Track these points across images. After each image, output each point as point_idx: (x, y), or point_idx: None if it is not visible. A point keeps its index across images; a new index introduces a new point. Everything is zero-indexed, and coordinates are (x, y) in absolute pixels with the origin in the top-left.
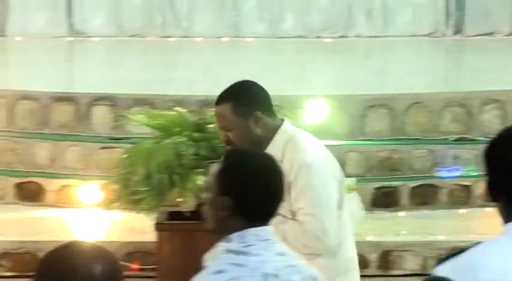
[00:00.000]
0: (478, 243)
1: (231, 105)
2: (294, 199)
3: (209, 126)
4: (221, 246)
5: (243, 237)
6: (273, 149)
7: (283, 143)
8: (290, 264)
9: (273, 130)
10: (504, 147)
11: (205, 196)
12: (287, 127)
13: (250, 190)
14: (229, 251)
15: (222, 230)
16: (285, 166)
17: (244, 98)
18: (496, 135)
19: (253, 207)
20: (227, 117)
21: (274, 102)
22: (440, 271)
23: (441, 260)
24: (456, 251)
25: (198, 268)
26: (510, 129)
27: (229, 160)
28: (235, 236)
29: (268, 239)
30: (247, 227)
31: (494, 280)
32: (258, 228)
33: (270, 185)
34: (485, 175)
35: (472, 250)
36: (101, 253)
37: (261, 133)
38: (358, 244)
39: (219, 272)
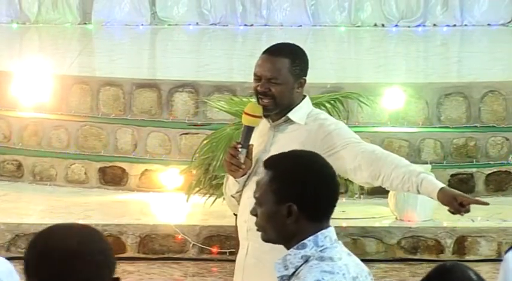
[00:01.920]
0: None
1: (290, 62)
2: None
3: None
4: (294, 253)
5: (317, 241)
6: (298, 113)
7: (308, 111)
8: (358, 263)
9: (300, 99)
10: None
11: (259, 210)
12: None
13: (311, 189)
14: (308, 257)
15: (289, 239)
16: (312, 128)
17: (302, 60)
18: None
19: (317, 207)
20: (281, 71)
21: (353, 90)
22: (510, 256)
23: None
24: None
25: None
26: None
27: (277, 166)
28: (308, 241)
29: (337, 239)
30: (315, 230)
31: None
32: (328, 229)
33: (326, 179)
34: None
35: None
36: (82, 230)
37: (296, 98)
38: (434, 230)
39: None
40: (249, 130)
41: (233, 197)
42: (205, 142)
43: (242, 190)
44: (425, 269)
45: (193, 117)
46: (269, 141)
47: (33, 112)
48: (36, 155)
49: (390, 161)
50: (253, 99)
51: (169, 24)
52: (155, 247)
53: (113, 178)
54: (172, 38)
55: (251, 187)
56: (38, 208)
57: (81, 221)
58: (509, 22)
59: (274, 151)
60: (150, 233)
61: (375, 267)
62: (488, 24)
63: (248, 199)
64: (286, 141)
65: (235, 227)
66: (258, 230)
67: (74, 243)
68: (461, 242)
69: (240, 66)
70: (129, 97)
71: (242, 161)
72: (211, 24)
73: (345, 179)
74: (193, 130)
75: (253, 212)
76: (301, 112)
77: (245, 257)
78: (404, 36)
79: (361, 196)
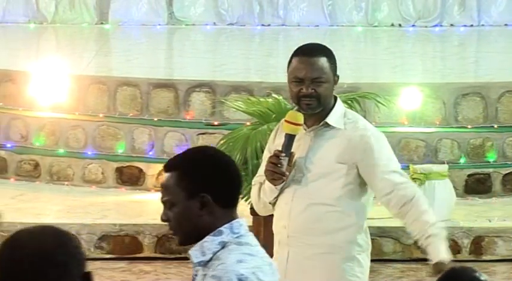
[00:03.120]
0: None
1: (327, 60)
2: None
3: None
4: (211, 239)
5: (232, 228)
6: (334, 116)
7: (342, 112)
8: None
9: (334, 100)
10: None
11: (171, 213)
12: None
13: (220, 177)
14: (225, 243)
15: (206, 232)
16: (353, 137)
17: (334, 58)
18: None
19: (228, 193)
20: (324, 70)
21: (370, 90)
22: None
23: None
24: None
25: None
26: None
27: (180, 165)
28: (224, 228)
29: (248, 229)
30: (228, 218)
31: None
32: (241, 219)
33: (229, 167)
34: None
35: None
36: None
37: (332, 96)
38: (451, 230)
39: (240, 261)
40: (291, 138)
41: (270, 203)
42: (222, 142)
43: (278, 196)
44: None
45: (210, 117)
46: (307, 147)
47: (50, 112)
48: (53, 155)
49: (412, 214)
50: (270, 100)
51: (186, 24)
52: (172, 246)
53: (129, 177)
54: (189, 38)
55: (289, 192)
56: (55, 207)
57: (98, 221)
58: None
59: (313, 156)
60: (167, 233)
61: (392, 267)
62: (506, 25)
63: (286, 205)
64: (326, 147)
65: (252, 226)
66: (173, 235)
67: (37, 246)
68: (478, 243)
69: (257, 66)
70: (146, 97)
71: (284, 169)
72: (229, 24)
73: None
74: (210, 130)
75: (164, 218)
76: (336, 115)
77: (286, 263)
78: (421, 36)
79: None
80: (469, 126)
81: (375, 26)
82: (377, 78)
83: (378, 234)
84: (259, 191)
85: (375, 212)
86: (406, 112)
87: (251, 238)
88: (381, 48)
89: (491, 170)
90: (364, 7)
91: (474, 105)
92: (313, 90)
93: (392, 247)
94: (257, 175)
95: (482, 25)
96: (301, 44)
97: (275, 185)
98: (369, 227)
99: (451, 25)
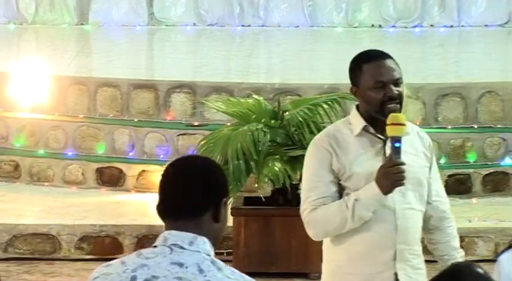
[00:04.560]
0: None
1: (395, 61)
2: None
3: (285, 113)
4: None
5: None
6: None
7: None
8: None
9: None
10: None
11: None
12: None
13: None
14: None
15: None
16: (421, 134)
17: None
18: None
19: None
20: (400, 70)
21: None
22: (505, 258)
23: (510, 246)
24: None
25: (273, 252)
26: None
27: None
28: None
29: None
30: None
31: None
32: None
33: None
34: None
35: None
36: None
37: None
38: None
39: None
40: (399, 141)
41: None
42: (202, 142)
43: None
44: None
45: (191, 118)
46: (384, 151)
47: (30, 113)
48: (33, 156)
49: (448, 234)
50: (250, 100)
51: (166, 25)
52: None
53: (110, 178)
54: (169, 38)
55: (390, 201)
56: (35, 208)
57: (78, 222)
58: (506, 23)
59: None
60: (148, 234)
61: None
62: (486, 25)
63: (389, 217)
64: (405, 148)
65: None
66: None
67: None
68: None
69: (238, 67)
70: (127, 98)
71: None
72: (209, 25)
73: None
74: (190, 131)
75: None
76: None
77: None
78: (402, 37)
79: None
80: (449, 127)
81: (355, 27)
82: None
83: None
84: (344, 212)
85: None
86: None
87: None
88: (361, 49)
89: (471, 170)
90: (345, 8)
91: (454, 105)
92: (398, 92)
93: None
94: (314, 198)
95: (463, 26)
96: (363, 51)
97: (401, 185)
98: None
99: (431, 26)
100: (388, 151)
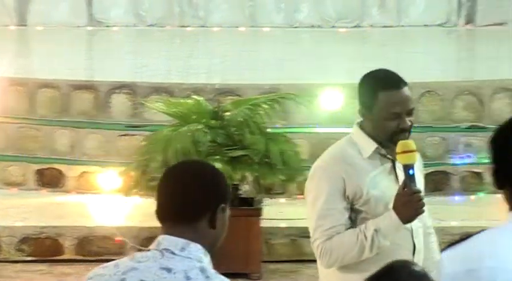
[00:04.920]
0: (482, 230)
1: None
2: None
3: (226, 114)
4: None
5: None
6: None
7: None
8: None
9: None
10: (506, 135)
11: None
12: None
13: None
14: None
15: None
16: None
17: None
18: (501, 124)
19: None
20: (413, 98)
21: (290, 91)
22: (446, 257)
23: (451, 245)
24: (462, 238)
25: (214, 252)
26: None
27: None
28: None
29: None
30: None
31: (498, 267)
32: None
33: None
34: (491, 162)
35: (476, 237)
36: None
37: None
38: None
39: None
40: (413, 168)
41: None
42: (143, 143)
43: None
44: None
45: (131, 119)
46: (394, 171)
47: None
48: None
49: (431, 251)
50: (190, 101)
51: (106, 26)
52: (93, 249)
53: (50, 180)
54: (109, 39)
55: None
56: None
57: (18, 224)
58: (445, 22)
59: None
60: (88, 235)
61: (313, 267)
62: (425, 25)
63: (406, 241)
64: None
65: None
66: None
67: None
68: None
69: (178, 67)
70: (67, 99)
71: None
72: (149, 25)
73: (282, 180)
74: (131, 132)
75: None
76: None
77: None
78: (341, 37)
79: (299, 197)
80: None
81: (295, 27)
82: (298, 79)
83: (299, 235)
84: (362, 242)
85: (296, 213)
86: (326, 113)
87: None
88: (301, 50)
89: None
90: (284, 8)
91: None
92: (410, 123)
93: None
94: (328, 226)
95: (402, 26)
96: (378, 74)
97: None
98: (290, 228)
99: (371, 26)
100: (399, 171)
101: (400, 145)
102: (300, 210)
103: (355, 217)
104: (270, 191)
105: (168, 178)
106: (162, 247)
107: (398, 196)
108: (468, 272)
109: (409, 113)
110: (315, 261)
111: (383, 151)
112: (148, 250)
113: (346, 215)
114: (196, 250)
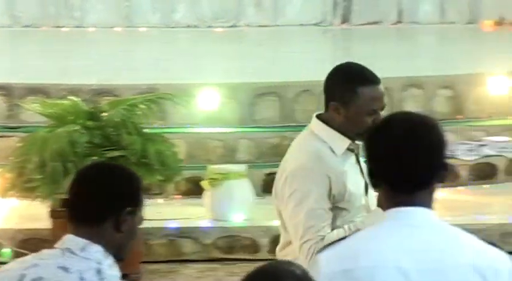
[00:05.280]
0: (358, 230)
1: None
2: None
3: (103, 114)
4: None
5: None
6: None
7: None
8: None
9: None
10: (380, 135)
11: None
12: None
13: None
14: None
15: None
16: None
17: None
18: (376, 124)
19: None
20: None
21: (167, 91)
22: (324, 257)
23: (331, 245)
24: (340, 238)
25: None
26: (388, 118)
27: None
28: None
29: None
30: None
31: (375, 266)
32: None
33: None
34: (367, 162)
35: (354, 236)
36: None
37: None
38: (250, 229)
39: None
40: None
41: None
42: (19, 144)
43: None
44: (242, 268)
45: (7, 120)
46: (359, 165)
47: None
48: None
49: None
50: (66, 101)
51: None
52: None
53: None
54: None
55: None
56: None
57: None
58: (321, 22)
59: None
60: None
61: (191, 267)
62: (301, 24)
63: None
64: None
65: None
66: None
67: None
68: (277, 241)
69: (54, 68)
70: None
71: None
72: (24, 26)
73: (160, 180)
74: (7, 133)
75: None
76: None
77: None
78: (218, 37)
79: (177, 197)
80: (266, 126)
81: (172, 27)
82: (175, 79)
83: (178, 235)
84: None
85: (174, 213)
86: (203, 113)
87: None
88: (178, 49)
89: None
90: (161, 8)
91: (270, 105)
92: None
93: (191, 247)
94: (319, 227)
95: (278, 25)
96: (353, 68)
97: None
98: (169, 228)
99: (247, 25)
100: (362, 164)
101: None
102: (178, 210)
103: (334, 217)
104: (148, 192)
105: (78, 178)
106: (65, 246)
107: None
108: (345, 272)
109: (383, 109)
110: (194, 261)
111: (351, 146)
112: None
113: (331, 214)
114: (96, 251)
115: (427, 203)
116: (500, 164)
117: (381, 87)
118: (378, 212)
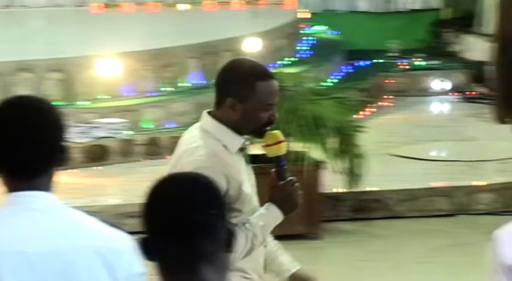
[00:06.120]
0: None
1: None
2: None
3: None
4: None
5: None
6: None
7: None
8: None
9: None
10: None
11: None
12: None
13: None
14: None
15: None
16: None
17: None
18: None
19: None
20: None
21: None
22: None
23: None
24: None
25: None
26: (1, 102)
27: None
28: None
29: None
30: None
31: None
32: None
33: None
34: None
35: None
36: None
37: None
38: None
39: None
40: (281, 159)
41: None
42: None
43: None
44: None
45: None
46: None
47: None
48: None
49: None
50: None
51: None
52: None
53: None
54: None
55: None
56: None
57: None
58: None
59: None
60: None
61: None
62: None
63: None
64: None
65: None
66: None
67: None
68: None
69: None
70: None
71: None
72: None
73: None
74: None
75: None
76: None
77: None
78: None
79: None
80: None
81: None
82: None
83: None
84: (253, 240)
85: None
86: None
87: None
88: None
89: None
90: None
91: None
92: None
93: None
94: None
95: None
96: (246, 63)
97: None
98: None
99: None
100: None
101: (271, 136)
102: None
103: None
104: None
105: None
106: None
107: (276, 190)
108: None
109: (277, 104)
110: None
111: (244, 144)
112: None
113: None
114: None
115: (47, 187)
116: (112, 145)
117: (276, 81)
118: (273, 209)
